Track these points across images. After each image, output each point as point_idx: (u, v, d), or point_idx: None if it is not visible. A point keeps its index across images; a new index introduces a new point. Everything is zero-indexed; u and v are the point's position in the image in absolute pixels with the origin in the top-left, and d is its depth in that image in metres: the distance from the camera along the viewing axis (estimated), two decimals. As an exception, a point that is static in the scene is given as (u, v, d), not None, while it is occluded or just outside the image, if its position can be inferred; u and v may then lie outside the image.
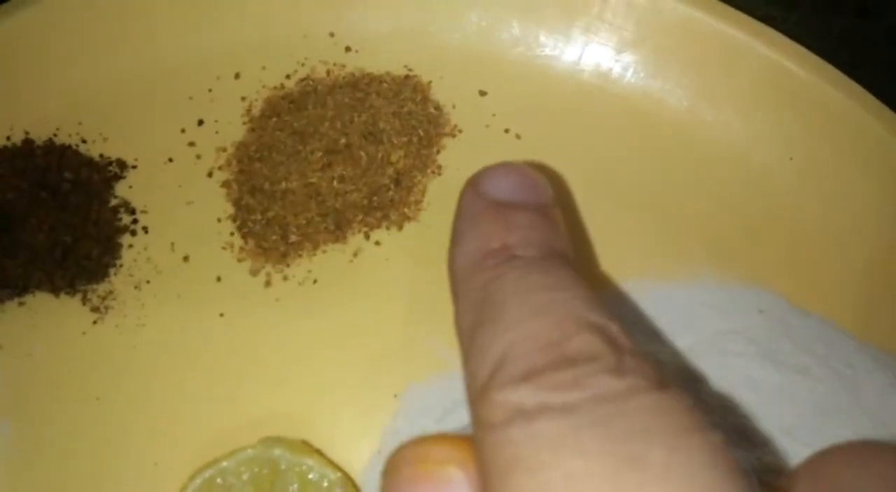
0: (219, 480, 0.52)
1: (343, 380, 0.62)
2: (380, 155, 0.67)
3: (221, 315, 0.64)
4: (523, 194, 0.40)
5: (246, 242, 0.67)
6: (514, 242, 0.35)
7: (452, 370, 0.63)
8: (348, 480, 0.53)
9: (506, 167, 0.42)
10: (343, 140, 0.66)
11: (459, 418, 0.61)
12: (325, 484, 0.52)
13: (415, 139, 0.68)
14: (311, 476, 0.53)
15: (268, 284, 0.66)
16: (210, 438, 0.60)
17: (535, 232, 0.36)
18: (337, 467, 0.54)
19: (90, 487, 0.59)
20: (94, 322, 0.64)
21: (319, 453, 0.55)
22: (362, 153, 0.66)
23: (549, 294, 0.31)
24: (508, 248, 0.35)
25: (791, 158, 0.68)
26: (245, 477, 0.52)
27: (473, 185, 0.41)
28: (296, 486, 0.52)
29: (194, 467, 0.58)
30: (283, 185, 0.65)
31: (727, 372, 0.59)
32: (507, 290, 0.32)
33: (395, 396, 0.62)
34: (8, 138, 0.68)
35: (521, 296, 0.31)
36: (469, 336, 0.34)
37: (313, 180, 0.65)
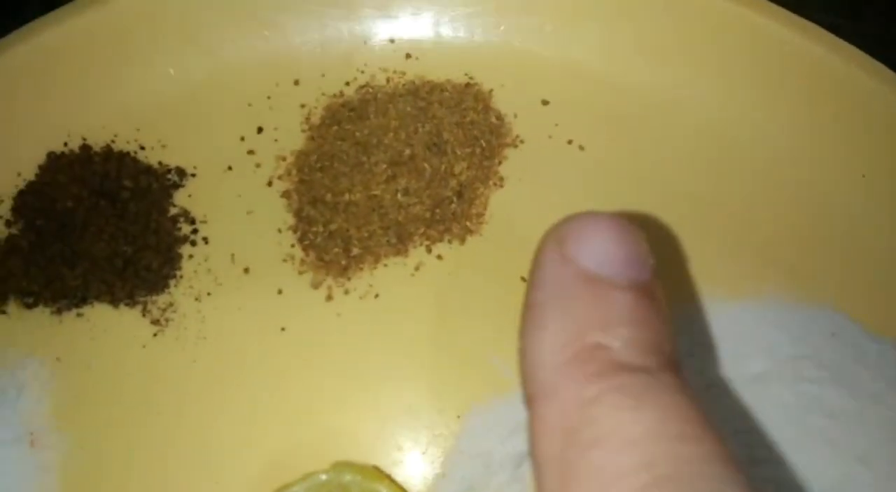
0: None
1: (406, 399, 0.61)
2: (443, 167, 0.65)
3: (283, 329, 0.63)
4: (623, 266, 0.30)
5: (307, 255, 0.65)
6: (617, 342, 0.28)
7: (515, 392, 0.61)
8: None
9: (602, 223, 0.32)
10: (407, 151, 0.64)
11: (523, 439, 0.59)
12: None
13: (477, 150, 0.66)
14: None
15: (329, 297, 0.64)
16: (273, 458, 0.59)
17: (642, 328, 0.29)
18: (405, 492, 0.52)
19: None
20: (154, 335, 0.63)
21: (390, 478, 0.54)
22: (426, 165, 0.64)
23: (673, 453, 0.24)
24: (607, 348, 0.28)
25: (864, 176, 0.66)
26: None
27: (559, 242, 0.32)
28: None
29: (256, 488, 0.57)
30: (346, 197, 0.63)
31: (801, 399, 0.57)
32: (610, 426, 0.26)
33: (459, 416, 0.61)
34: (65, 144, 0.67)
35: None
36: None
37: (377, 193, 0.63)
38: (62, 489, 0.58)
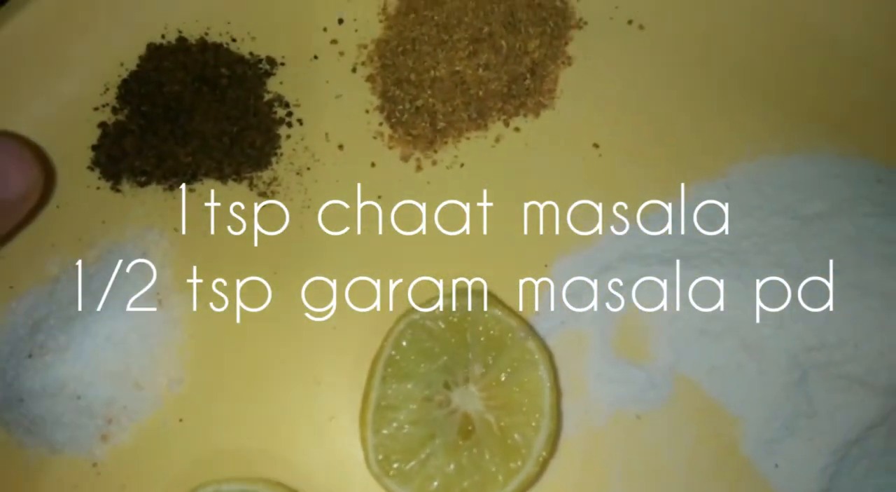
0: (427, 321, 0.55)
1: (496, 251, 0.65)
2: (518, 44, 0.69)
3: (379, 197, 0.67)
4: None
5: (395, 131, 0.69)
6: None
7: (596, 241, 0.66)
8: (528, 327, 0.57)
9: None
10: (486, 29, 0.68)
11: (607, 277, 0.64)
12: (510, 332, 0.56)
13: (547, 30, 0.70)
14: (495, 321, 0.56)
15: (419, 168, 0.68)
16: (382, 300, 0.63)
17: None
18: (519, 317, 0.57)
19: (271, 350, 0.63)
20: (263, 206, 0.67)
21: (503, 303, 0.59)
22: (503, 42, 0.68)
23: None
24: None
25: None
26: (441, 323, 0.56)
27: None
28: (483, 328, 0.56)
29: (368, 326, 0.62)
30: (431, 74, 0.67)
31: (862, 232, 0.62)
32: None
33: (546, 265, 0.66)
34: (162, 37, 0.70)
35: None
36: None
37: (459, 68, 0.67)
38: (188, 343, 0.63)
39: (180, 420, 0.60)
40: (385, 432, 0.53)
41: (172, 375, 0.60)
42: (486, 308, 0.55)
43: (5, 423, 0.58)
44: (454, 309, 0.56)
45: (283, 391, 0.61)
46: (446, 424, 0.54)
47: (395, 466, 0.53)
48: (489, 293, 0.58)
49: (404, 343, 0.54)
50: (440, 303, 0.55)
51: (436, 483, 0.53)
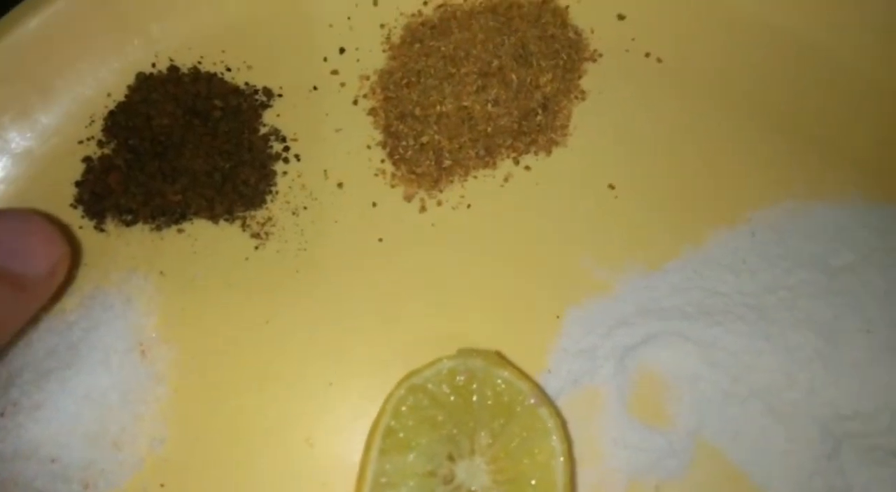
0: (429, 385, 0.49)
1: (504, 302, 0.59)
2: (529, 78, 0.62)
3: (380, 240, 0.61)
4: None
5: (398, 169, 0.63)
6: None
7: (611, 292, 0.60)
8: (540, 391, 0.50)
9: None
10: (496, 62, 0.62)
11: (625, 333, 0.58)
12: (520, 396, 0.49)
13: (560, 63, 0.64)
14: (504, 386, 0.49)
15: (422, 209, 0.62)
16: (382, 357, 0.57)
17: None
18: (530, 380, 0.50)
19: (262, 407, 0.56)
20: (256, 248, 0.60)
21: (512, 364, 0.52)
22: (513, 76, 0.62)
23: None
24: None
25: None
26: (445, 387, 0.49)
27: None
28: (490, 393, 0.49)
29: (367, 386, 0.55)
30: (437, 108, 0.61)
31: (894, 286, 0.56)
32: None
33: (557, 317, 0.59)
34: (153, 65, 0.64)
35: None
36: None
37: (467, 103, 0.61)
38: (172, 398, 0.56)
39: (161, 485, 0.53)
40: (383, 516, 0.47)
41: (154, 434, 0.54)
42: (493, 371, 0.49)
43: (-27, 486, 0.51)
44: (459, 372, 0.49)
45: (273, 454, 0.54)
46: (450, 505, 0.47)
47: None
48: (497, 354, 0.51)
49: (405, 409, 0.48)
50: (444, 365, 0.49)
51: None
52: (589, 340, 0.57)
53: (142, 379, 0.55)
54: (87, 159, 0.60)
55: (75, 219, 0.59)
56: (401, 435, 0.48)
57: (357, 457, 0.51)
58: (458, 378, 0.49)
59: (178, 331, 0.57)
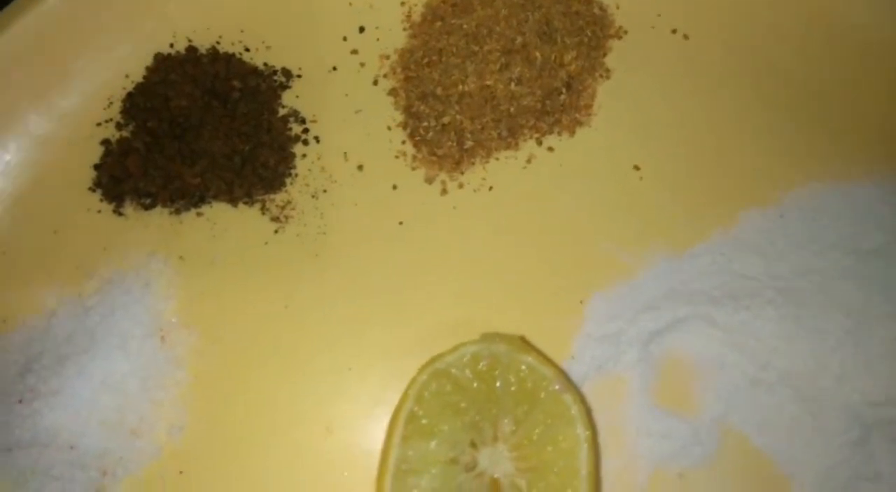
0: (452, 371, 0.48)
1: (527, 287, 0.58)
2: (553, 56, 0.61)
3: (401, 223, 0.60)
4: None
5: (419, 150, 0.61)
6: None
7: (636, 276, 0.58)
8: (565, 377, 0.49)
9: None
10: (519, 39, 0.60)
11: (651, 318, 0.56)
12: (544, 382, 0.48)
13: (584, 40, 0.62)
14: (528, 371, 0.48)
15: (444, 191, 0.61)
16: (403, 342, 0.56)
17: None
18: (555, 366, 0.49)
19: (282, 393, 0.55)
20: (276, 231, 0.59)
21: (536, 349, 0.51)
22: (537, 53, 0.60)
23: None
24: None
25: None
26: (468, 372, 0.48)
27: None
28: (514, 378, 0.48)
29: (387, 371, 0.54)
30: (459, 88, 0.60)
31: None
32: None
33: (581, 302, 0.58)
34: (171, 46, 0.63)
35: None
36: None
37: (490, 82, 0.59)
38: (191, 384, 0.56)
39: (180, 472, 0.53)
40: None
41: (173, 420, 0.53)
42: (517, 356, 0.47)
43: (-6, 472, 0.51)
44: (483, 357, 0.48)
45: (293, 442, 0.53)
46: (472, 490, 0.46)
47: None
48: (521, 339, 0.50)
49: (427, 396, 0.47)
50: (467, 350, 0.48)
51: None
52: (613, 326, 0.55)
53: (161, 364, 0.54)
54: (105, 142, 0.59)
55: (94, 203, 0.59)
56: (424, 421, 0.47)
57: (377, 444, 0.51)
58: (481, 363, 0.48)
59: (198, 315, 0.56)
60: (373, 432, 0.52)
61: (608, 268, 0.58)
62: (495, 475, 0.47)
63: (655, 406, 0.54)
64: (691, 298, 0.55)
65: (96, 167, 0.59)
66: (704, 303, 0.55)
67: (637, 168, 0.60)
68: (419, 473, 0.46)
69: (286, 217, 0.58)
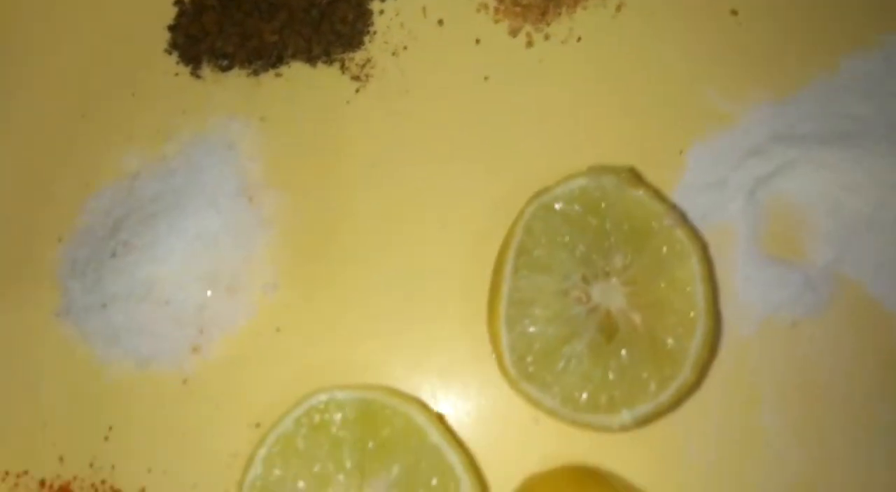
0: (556, 205, 0.46)
1: (622, 141, 0.55)
2: None
3: (486, 79, 0.57)
4: None
5: (501, 2, 0.58)
6: None
7: (738, 123, 0.55)
8: (678, 212, 0.47)
9: None
10: None
11: (756, 164, 0.53)
12: (655, 218, 0.46)
13: None
14: (639, 206, 0.46)
15: (529, 44, 0.58)
16: (499, 182, 0.53)
17: None
18: (667, 201, 0.47)
19: (374, 248, 0.54)
20: (357, 91, 0.57)
21: (647, 183, 0.48)
22: None
23: None
24: None
25: None
26: (577, 206, 0.46)
27: None
28: (624, 213, 0.46)
29: (490, 209, 0.52)
30: (545, -68, 0.56)
31: None
32: None
33: (681, 152, 0.55)
34: None
35: None
36: None
37: (577, -74, 0.56)
38: (284, 243, 0.54)
39: (277, 330, 0.51)
40: (520, 329, 0.44)
41: (266, 279, 0.52)
42: (627, 189, 0.45)
43: (87, 334, 0.51)
44: (591, 190, 0.45)
45: (391, 289, 0.52)
46: (587, 323, 0.44)
47: (532, 370, 0.44)
48: (631, 170, 0.47)
49: (536, 229, 0.45)
50: (575, 183, 0.45)
51: (579, 393, 0.43)
52: (717, 173, 0.53)
53: (251, 223, 0.53)
54: (178, 2, 0.57)
55: (171, 65, 0.56)
56: (533, 253, 0.45)
57: (484, 281, 0.49)
58: (590, 197, 0.45)
59: (284, 175, 0.55)
60: (475, 273, 0.50)
61: (707, 117, 0.55)
62: (610, 308, 0.45)
63: (765, 254, 0.51)
64: (798, 140, 0.52)
65: (171, 28, 0.56)
66: (812, 144, 0.51)
67: (734, 13, 0.56)
68: (533, 303, 0.44)
69: (367, 76, 0.56)
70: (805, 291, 0.50)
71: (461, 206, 0.53)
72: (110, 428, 0.50)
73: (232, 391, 0.50)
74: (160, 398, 0.50)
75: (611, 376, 0.44)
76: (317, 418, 0.42)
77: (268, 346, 0.51)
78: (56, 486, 0.48)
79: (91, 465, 0.49)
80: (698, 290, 0.45)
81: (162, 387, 0.50)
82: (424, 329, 0.51)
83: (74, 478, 0.49)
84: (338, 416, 0.42)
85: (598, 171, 0.46)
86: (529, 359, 0.44)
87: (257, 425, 0.46)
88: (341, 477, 0.42)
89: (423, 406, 0.43)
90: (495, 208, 0.51)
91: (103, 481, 0.48)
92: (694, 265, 0.45)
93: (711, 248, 0.51)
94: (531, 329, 0.44)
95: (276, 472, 0.42)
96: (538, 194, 0.46)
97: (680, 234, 0.45)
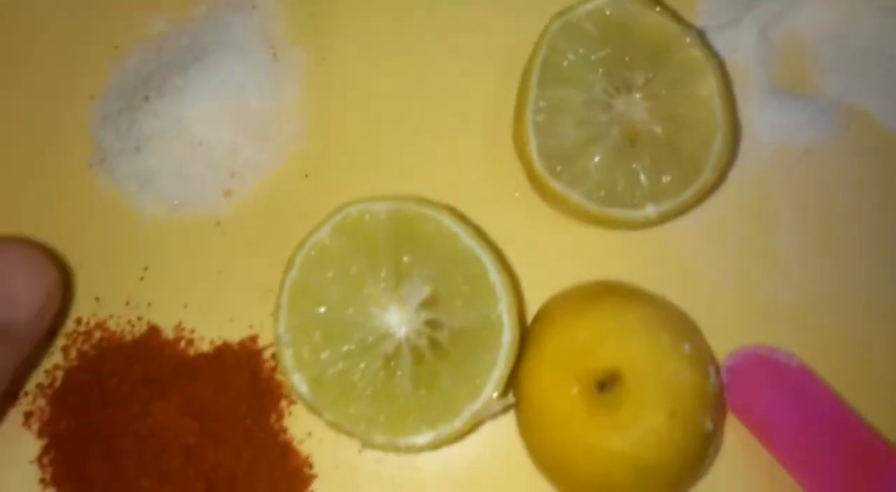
0: (580, 22, 0.48)
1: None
2: None
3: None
4: None
5: None
6: None
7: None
8: (696, 33, 0.48)
9: None
10: None
11: (764, 3, 0.55)
12: (675, 37, 0.47)
13: None
14: (656, 24, 0.48)
15: None
16: (514, 20, 0.55)
17: None
18: (685, 22, 0.48)
19: (390, 89, 0.56)
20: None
21: (666, 5, 0.50)
22: None
23: None
24: None
25: None
26: (599, 26, 0.48)
27: None
28: (642, 31, 0.48)
29: (500, 46, 0.54)
30: None
31: None
32: None
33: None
34: None
35: None
36: None
37: None
38: (309, 98, 0.56)
39: (306, 176, 0.53)
40: (547, 132, 0.46)
41: (293, 130, 0.54)
42: (648, 10, 0.47)
43: (121, 180, 0.52)
44: (611, 9, 0.47)
45: (417, 123, 0.55)
46: (610, 129, 0.46)
47: (560, 168, 0.45)
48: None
49: (560, 45, 0.46)
50: (596, 2, 0.47)
51: (606, 188, 0.45)
52: (729, 14, 0.55)
53: (276, 77, 0.54)
54: None
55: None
56: (558, 67, 0.46)
57: (506, 110, 0.51)
58: (610, 15, 0.47)
59: (308, 34, 0.56)
60: (504, 89, 0.51)
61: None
62: (632, 118, 0.47)
63: (777, 88, 0.53)
64: (804, -22, 0.54)
65: None
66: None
67: None
68: (559, 109, 0.46)
69: (384, -58, 0.58)
70: (816, 119, 0.52)
71: (486, 32, 0.55)
72: (146, 269, 0.51)
73: (264, 231, 0.51)
74: (194, 239, 0.51)
75: (636, 174, 0.45)
76: (352, 223, 0.43)
77: (297, 190, 0.52)
78: (92, 323, 0.49)
79: (127, 303, 0.50)
80: (716, 103, 0.46)
81: (195, 228, 0.52)
82: (452, 159, 0.52)
83: (111, 316, 0.49)
84: (372, 222, 0.43)
85: None
86: (557, 159, 0.45)
87: (288, 261, 0.48)
88: (379, 274, 0.43)
89: (453, 211, 0.44)
90: (520, 30, 0.52)
91: (140, 318, 0.49)
92: (712, 81, 0.47)
93: (726, 84, 0.53)
94: (558, 131, 0.46)
95: (315, 273, 0.43)
96: (562, 13, 0.47)
97: (698, 51, 0.47)
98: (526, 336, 0.44)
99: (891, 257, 0.50)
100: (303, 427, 0.48)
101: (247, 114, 0.52)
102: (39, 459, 0.46)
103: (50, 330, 0.48)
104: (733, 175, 0.52)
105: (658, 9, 0.47)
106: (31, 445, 0.47)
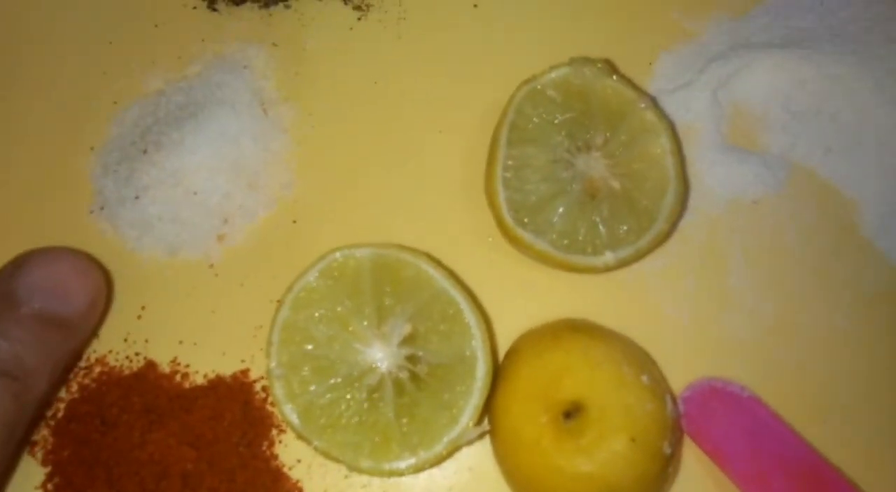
0: (543, 89, 0.53)
1: (598, 51, 0.62)
2: None
3: (475, 6, 0.65)
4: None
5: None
6: None
7: (701, 37, 0.63)
8: (649, 98, 0.54)
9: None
10: None
11: (719, 65, 0.61)
12: (630, 103, 0.53)
13: None
14: (614, 92, 0.54)
15: (511, -23, 0.65)
16: (483, 90, 0.61)
17: None
18: (639, 89, 0.54)
19: (380, 148, 0.61)
20: (359, 19, 0.64)
21: (621, 73, 0.56)
22: None
23: None
24: None
25: None
26: (562, 93, 0.53)
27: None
28: (602, 98, 0.53)
29: (478, 127, 0.59)
30: None
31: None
32: None
33: (650, 64, 0.63)
34: None
35: None
36: None
37: None
38: (298, 149, 0.61)
39: (294, 221, 0.58)
40: (515, 186, 0.51)
41: (282, 178, 0.59)
42: (604, 78, 0.53)
43: (120, 227, 0.56)
44: (572, 77, 0.53)
45: (398, 179, 0.60)
46: (572, 184, 0.52)
47: (527, 219, 0.51)
48: (608, 62, 0.55)
49: (526, 110, 0.52)
50: (560, 71, 0.53)
51: (568, 238, 0.50)
52: (684, 78, 0.60)
53: (267, 130, 0.59)
54: (196, -57, 0.64)
55: (189, 0, 0.63)
56: (524, 130, 0.52)
57: (478, 170, 0.56)
58: (572, 84, 0.53)
59: (295, 92, 0.62)
60: (476, 151, 0.57)
61: (674, 33, 0.63)
62: (592, 175, 0.52)
63: (727, 145, 0.59)
64: (755, 47, 0.60)
65: (189, -33, 0.64)
66: (766, 49, 0.59)
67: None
68: (526, 167, 0.51)
69: (367, 6, 0.64)
70: (763, 173, 0.58)
71: (461, 93, 0.61)
72: (143, 308, 0.55)
73: (254, 273, 0.56)
74: (189, 281, 0.56)
75: (596, 225, 0.51)
76: (337, 267, 0.48)
77: (286, 235, 0.57)
78: (93, 358, 0.53)
79: (125, 340, 0.54)
80: (668, 161, 0.52)
81: (190, 271, 0.56)
82: (429, 208, 0.58)
83: (110, 352, 0.54)
84: (356, 266, 0.48)
85: (579, 61, 0.53)
86: (524, 211, 0.51)
87: (279, 302, 0.52)
88: (363, 314, 0.48)
89: (430, 257, 0.49)
90: (493, 91, 0.58)
91: (137, 353, 0.54)
92: (664, 141, 0.52)
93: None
94: (524, 187, 0.51)
95: (303, 313, 0.48)
96: (528, 80, 0.53)
97: (651, 115, 0.53)
98: (499, 370, 0.49)
99: (832, 296, 0.55)
100: (293, 454, 0.52)
101: (239, 164, 0.57)
102: (44, 485, 0.50)
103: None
104: (688, 223, 0.57)
105: (615, 77, 0.53)
106: (36, 472, 0.50)
